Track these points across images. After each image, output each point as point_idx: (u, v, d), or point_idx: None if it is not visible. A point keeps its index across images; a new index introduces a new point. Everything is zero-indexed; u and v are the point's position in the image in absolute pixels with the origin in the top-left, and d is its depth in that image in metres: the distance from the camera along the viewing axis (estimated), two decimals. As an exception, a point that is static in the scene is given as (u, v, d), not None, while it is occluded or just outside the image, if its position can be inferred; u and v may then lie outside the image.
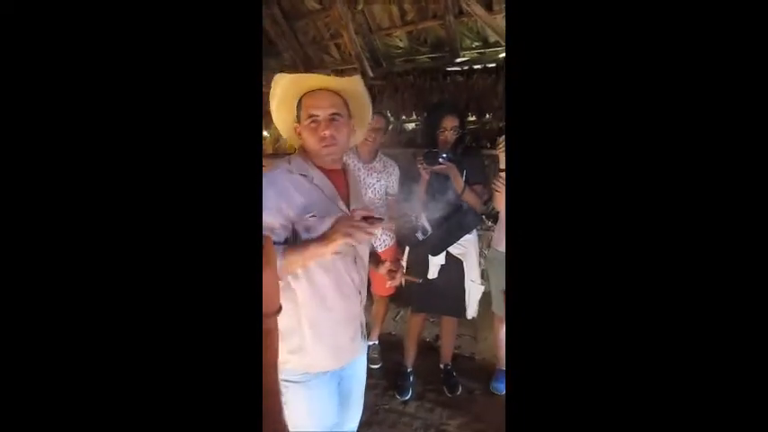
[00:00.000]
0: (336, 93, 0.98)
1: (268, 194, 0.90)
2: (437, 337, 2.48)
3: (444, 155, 1.61)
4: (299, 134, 1.00)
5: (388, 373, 2.15)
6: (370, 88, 2.91)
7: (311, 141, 0.96)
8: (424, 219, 1.80)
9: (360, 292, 1.08)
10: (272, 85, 0.96)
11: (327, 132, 0.94)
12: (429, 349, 2.35)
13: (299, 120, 0.99)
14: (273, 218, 0.90)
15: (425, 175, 1.67)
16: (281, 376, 1.04)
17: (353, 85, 0.99)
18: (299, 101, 0.98)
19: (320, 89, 0.97)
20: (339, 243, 0.85)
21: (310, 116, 0.95)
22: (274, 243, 0.89)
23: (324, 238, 0.87)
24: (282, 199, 0.92)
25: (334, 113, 0.96)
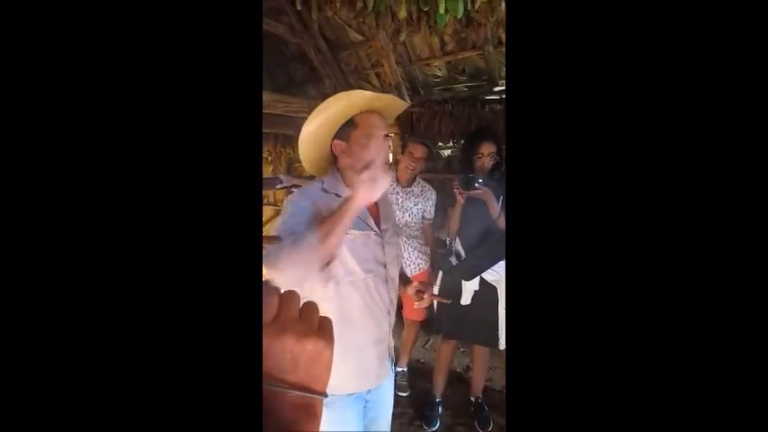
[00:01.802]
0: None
1: (299, 205, 0.93)
2: (467, 368, 2.40)
3: (480, 180, 1.61)
4: (341, 152, 1.00)
5: (415, 401, 2.09)
6: (408, 115, 3.02)
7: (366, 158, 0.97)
8: (458, 243, 1.78)
9: (389, 313, 1.07)
10: (332, 100, 0.94)
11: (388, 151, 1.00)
12: (459, 380, 2.27)
13: (345, 138, 0.99)
14: (299, 221, 0.89)
15: (461, 200, 1.66)
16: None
17: (400, 110, 1.06)
18: (352, 118, 0.98)
19: (373, 110, 1.00)
20: (361, 192, 0.83)
21: (370, 134, 0.97)
22: (288, 226, 0.87)
23: (345, 202, 0.84)
24: (312, 210, 0.92)
25: (386, 133, 1.00)
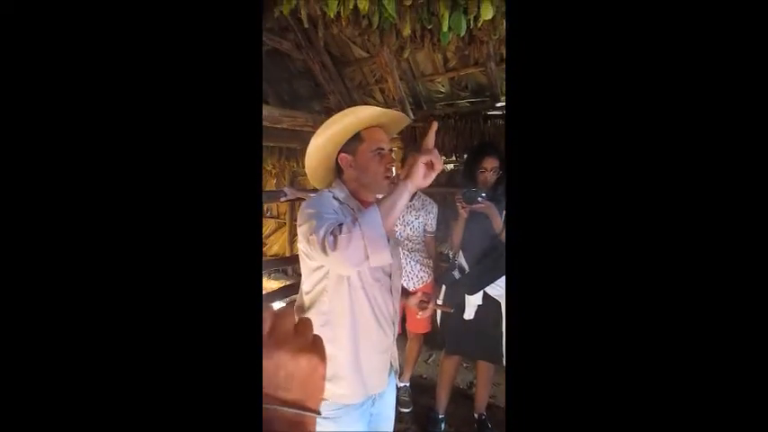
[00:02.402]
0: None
1: (312, 205, 0.94)
2: (471, 384, 2.37)
3: (483, 194, 1.62)
4: (348, 165, 1.02)
5: (418, 417, 2.06)
6: (411, 130, 3.04)
7: (377, 171, 1.00)
8: (461, 257, 1.78)
9: (393, 323, 1.09)
10: (340, 116, 0.97)
11: (392, 164, 1.02)
12: (462, 396, 2.24)
13: (351, 151, 1.01)
14: (330, 211, 0.91)
15: (464, 214, 1.67)
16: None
17: (404, 125, 1.09)
18: (358, 133, 1.01)
19: (379, 125, 1.04)
20: (417, 175, 0.84)
21: (378, 148, 1.01)
22: (326, 219, 0.87)
23: (405, 179, 0.85)
24: (325, 209, 0.93)
25: (391, 148, 1.04)
